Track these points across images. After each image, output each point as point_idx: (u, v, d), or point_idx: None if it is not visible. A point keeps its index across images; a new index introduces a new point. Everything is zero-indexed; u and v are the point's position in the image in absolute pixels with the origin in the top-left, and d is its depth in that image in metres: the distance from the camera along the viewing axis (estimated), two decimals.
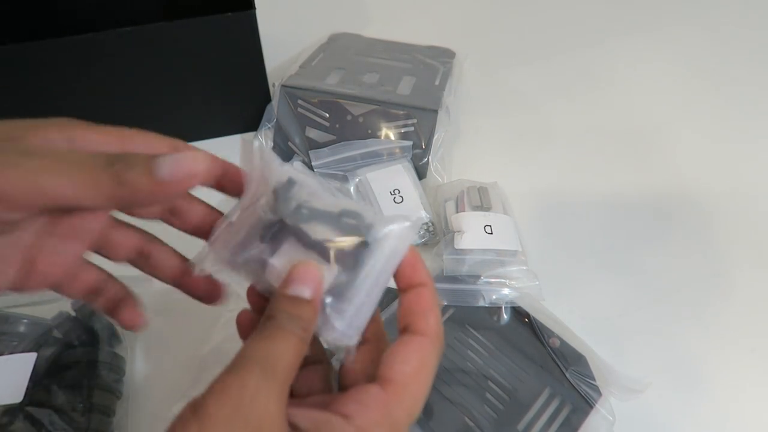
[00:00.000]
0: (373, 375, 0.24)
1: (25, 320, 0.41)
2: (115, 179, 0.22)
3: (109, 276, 0.30)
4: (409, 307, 0.26)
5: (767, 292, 0.49)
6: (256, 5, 0.51)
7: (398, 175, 0.53)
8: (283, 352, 0.22)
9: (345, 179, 0.54)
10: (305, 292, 0.24)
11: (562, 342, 0.43)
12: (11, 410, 0.36)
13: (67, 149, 0.23)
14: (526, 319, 0.45)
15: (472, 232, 0.47)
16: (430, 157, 0.56)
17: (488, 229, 0.48)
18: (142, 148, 0.25)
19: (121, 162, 0.22)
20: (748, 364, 0.45)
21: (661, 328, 0.47)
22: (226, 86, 0.57)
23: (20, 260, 0.25)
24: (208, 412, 0.20)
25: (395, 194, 0.51)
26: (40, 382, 0.38)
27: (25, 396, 0.37)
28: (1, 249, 0.24)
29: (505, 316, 0.45)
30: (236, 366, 0.22)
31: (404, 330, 0.26)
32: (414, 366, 0.24)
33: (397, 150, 0.55)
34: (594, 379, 0.41)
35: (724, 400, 0.43)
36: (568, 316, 0.46)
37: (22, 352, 0.39)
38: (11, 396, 0.36)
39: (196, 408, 0.21)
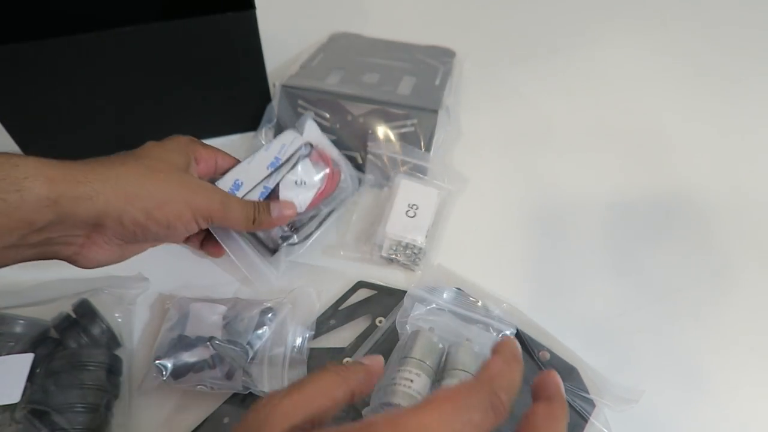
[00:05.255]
0: None
1: (22, 321, 0.41)
2: (253, 220, 0.43)
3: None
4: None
5: (767, 292, 0.49)
6: (256, 5, 0.51)
7: (427, 197, 0.53)
8: None
9: None
10: None
11: (552, 355, 0.42)
12: (9, 410, 0.36)
13: (228, 193, 0.43)
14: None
15: None
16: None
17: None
18: (222, 164, 0.46)
19: (256, 210, 0.43)
20: (747, 363, 0.45)
21: (661, 328, 0.47)
22: (226, 86, 0.57)
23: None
24: None
25: (411, 208, 0.52)
26: (38, 382, 0.38)
27: (22, 396, 0.37)
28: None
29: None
30: None
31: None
32: None
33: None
34: (587, 392, 0.41)
35: (723, 400, 0.43)
36: (568, 315, 0.46)
37: (19, 352, 0.39)
38: (9, 396, 0.36)
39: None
